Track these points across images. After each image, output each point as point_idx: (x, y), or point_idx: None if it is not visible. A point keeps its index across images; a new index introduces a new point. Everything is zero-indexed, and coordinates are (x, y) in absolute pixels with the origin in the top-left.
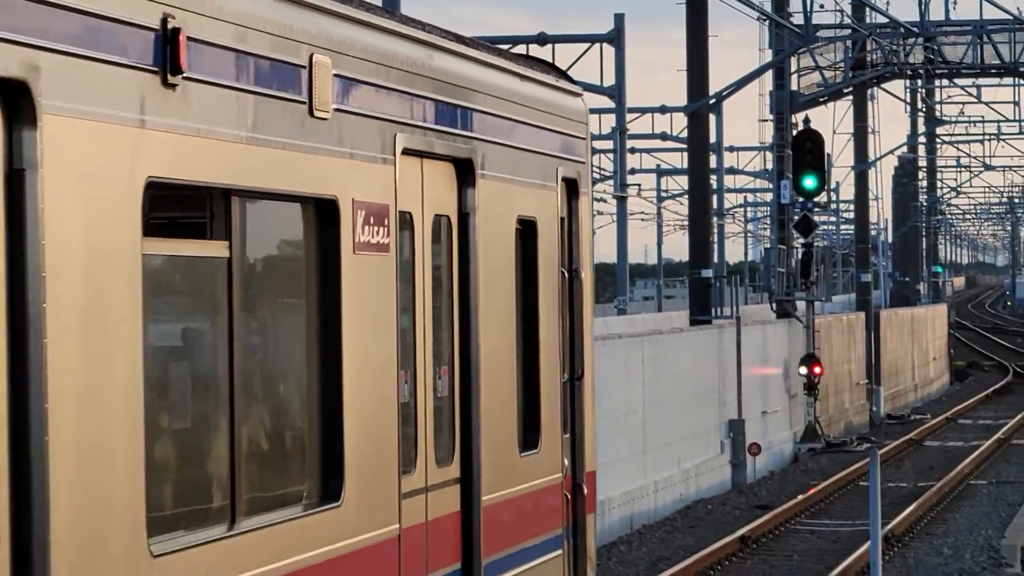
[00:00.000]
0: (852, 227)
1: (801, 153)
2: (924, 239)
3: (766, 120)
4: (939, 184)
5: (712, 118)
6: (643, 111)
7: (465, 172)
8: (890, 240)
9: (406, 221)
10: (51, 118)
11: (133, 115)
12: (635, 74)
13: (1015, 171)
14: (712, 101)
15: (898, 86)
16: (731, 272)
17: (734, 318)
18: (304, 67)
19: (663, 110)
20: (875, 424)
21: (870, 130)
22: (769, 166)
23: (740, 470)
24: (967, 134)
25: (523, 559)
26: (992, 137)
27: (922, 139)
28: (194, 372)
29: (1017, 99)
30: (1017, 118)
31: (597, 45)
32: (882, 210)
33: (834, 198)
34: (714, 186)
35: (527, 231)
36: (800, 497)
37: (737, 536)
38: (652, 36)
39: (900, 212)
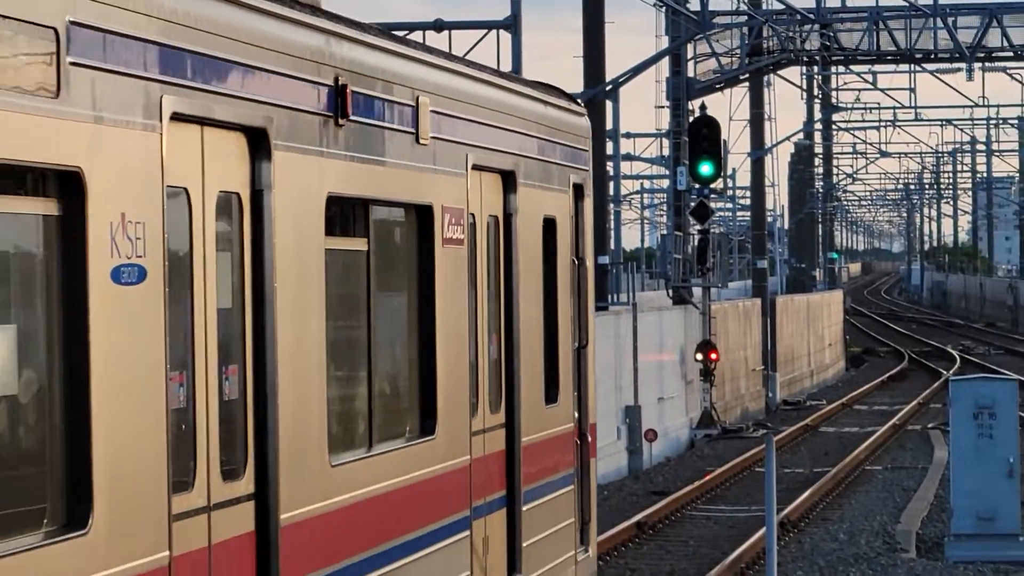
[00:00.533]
0: (748, 214)
1: (698, 140)
2: (820, 226)
3: (663, 107)
4: (835, 171)
5: (609, 104)
6: None
7: (509, 181)
8: (786, 227)
9: (472, 221)
10: (277, 153)
11: (319, 148)
12: (532, 60)
13: (911, 158)
14: (609, 87)
15: (794, 73)
16: (627, 259)
17: (630, 304)
18: (412, 106)
19: None
20: (771, 410)
21: (766, 117)
22: (666, 152)
23: (636, 456)
24: (863, 121)
25: (548, 490)
26: (888, 124)
27: (818, 126)
28: (349, 334)
29: (913, 86)
30: (913, 105)
31: (494, 31)
32: (778, 197)
33: (730, 184)
34: (611, 172)
35: (549, 227)
36: (696, 483)
37: (633, 522)
38: (549, 22)
39: (796, 199)
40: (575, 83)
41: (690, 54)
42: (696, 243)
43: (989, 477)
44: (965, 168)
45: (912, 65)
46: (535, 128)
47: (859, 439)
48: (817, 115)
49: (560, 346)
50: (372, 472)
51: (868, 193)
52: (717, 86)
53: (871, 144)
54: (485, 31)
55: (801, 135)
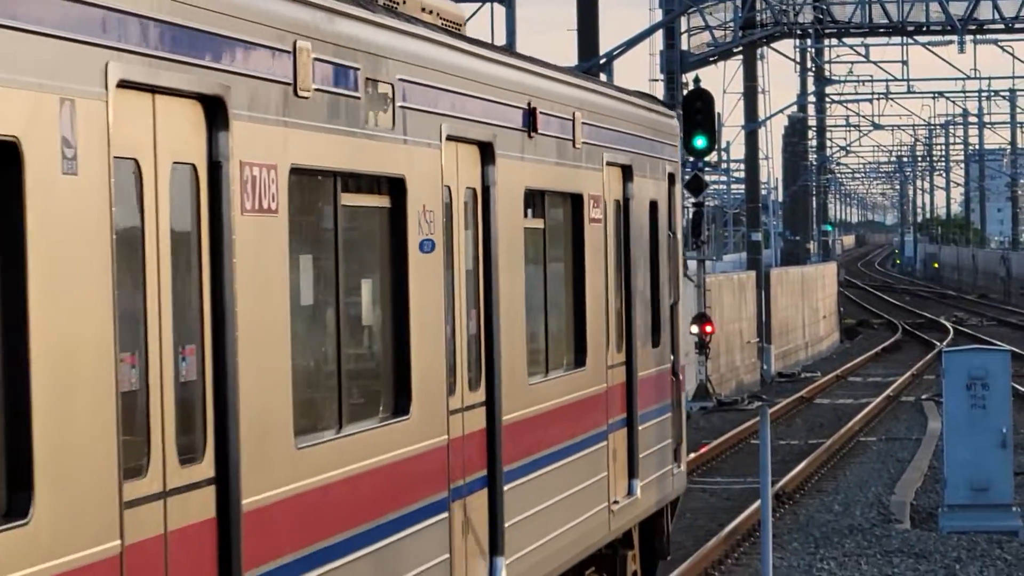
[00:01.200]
0: (743, 186)
1: (691, 113)
2: (814, 198)
3: (657, 80)
4: (829, 143)
5: (603, 77)
6: None
7: (628, 174)
8: (780, 199)
9: (606, 204)
10: (499, 159)
11: (519, 155)
12: (526, 33)
13: (903, 130)
14: (603, 61)
15: (788, 45)
16: None
17: None
18: (571, 120)
19: None
20: (766, 382)
21: (760, 90)
22: None
23: None
24: (856, 93)
25: (654, 416)
26: (881, 96)
27: (812, 98)
28: (535, 289)
29: (905, 58)
30: (905, 77)
31: (488, 5)
32: (772, 169)
33: (725, 157)
34: None
35: (653, 208)
36: (692, 456)
37: None
38: None
39: (790, 171)
40: (569, 56)
41: (684, 27)
42: (691, 216)
43: (982, 448)
44: (957, 140)
45: (904, 38)
46: (643, 131)
47: (853, 411)
48: (810, 88)
49: (660, 301)
50: (551, 390)
51: (861, 165)
52: (711, 59)
53: (864, 117)
54: (480, 4)
55: (795, 108)
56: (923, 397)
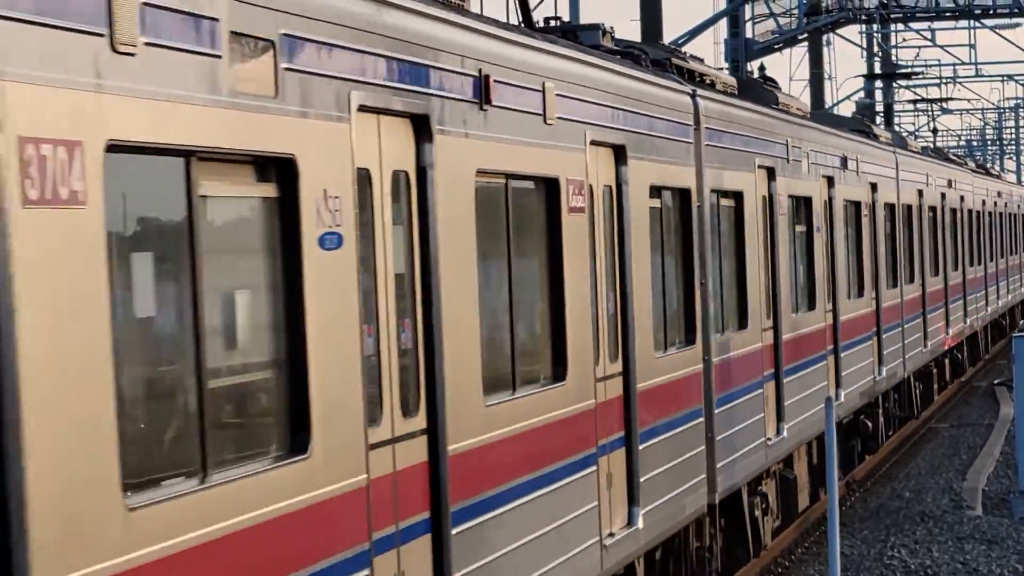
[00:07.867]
0: None
1: None
2: None
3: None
4: (897, 128)
5: None
6: None
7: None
8: None
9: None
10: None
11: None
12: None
13: (972, 114)
14: None
15: (853, 31)
16: None
17: None
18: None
19: None
20: None
21: (826, 76)
22: None
23: None
24: (924, 78)
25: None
26: (948, 80)
27: (878, 84)
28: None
29: (972, 42)
30: (973, 61)
31: None
32: None
33: None
34: None
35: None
36: None
37: None
38: None
39: None
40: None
41: (748, 15)
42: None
43: None
44: None
45: (971, 21)
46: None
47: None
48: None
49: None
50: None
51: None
52: (776, 46)
53: (932, 101)
54: None
55: (862, 93)
56: (995, 382)
